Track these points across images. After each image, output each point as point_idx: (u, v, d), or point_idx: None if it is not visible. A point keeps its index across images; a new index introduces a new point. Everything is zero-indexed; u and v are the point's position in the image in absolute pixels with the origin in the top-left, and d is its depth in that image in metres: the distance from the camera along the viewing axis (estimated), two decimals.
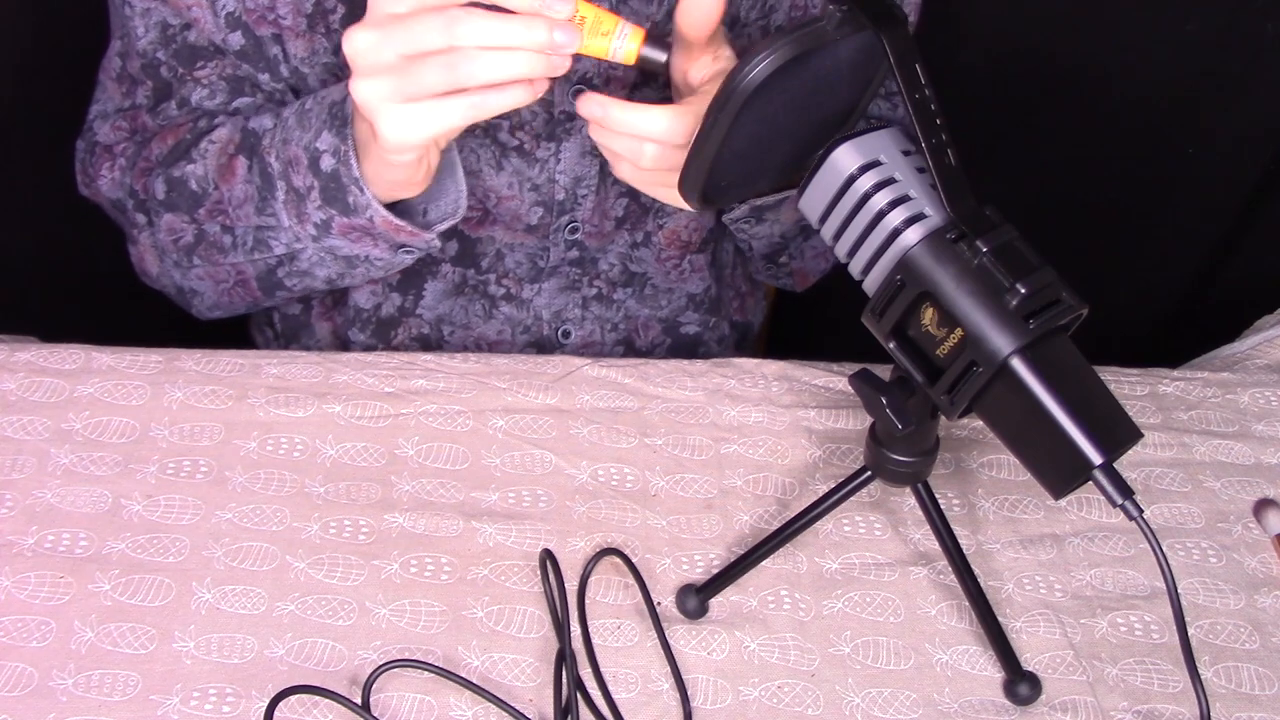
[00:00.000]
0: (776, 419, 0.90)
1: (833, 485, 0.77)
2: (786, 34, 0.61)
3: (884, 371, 0.71)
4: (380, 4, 0.69)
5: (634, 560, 0.80)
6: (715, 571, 0.78)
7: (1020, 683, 0.75)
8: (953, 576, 0.77)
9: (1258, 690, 0.77)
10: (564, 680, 0.73)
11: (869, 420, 0.73)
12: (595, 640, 0.76)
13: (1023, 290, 0.60)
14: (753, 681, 0.75)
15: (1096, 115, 1.34)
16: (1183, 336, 1.13)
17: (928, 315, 0.64)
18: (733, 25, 0.90)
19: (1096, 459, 0.61)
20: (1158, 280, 1.49)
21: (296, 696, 0.71)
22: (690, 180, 0.67)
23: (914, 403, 0.69)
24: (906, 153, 0.66)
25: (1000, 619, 0.77)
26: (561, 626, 0.75)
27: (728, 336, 1.13)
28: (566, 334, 1.03)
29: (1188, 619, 0.78)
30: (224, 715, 0.71)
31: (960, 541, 0.76)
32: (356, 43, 0.69)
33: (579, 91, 0.88)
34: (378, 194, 0.80)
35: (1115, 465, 0.61)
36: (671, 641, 0.76)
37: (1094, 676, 0.77)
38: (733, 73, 0.61)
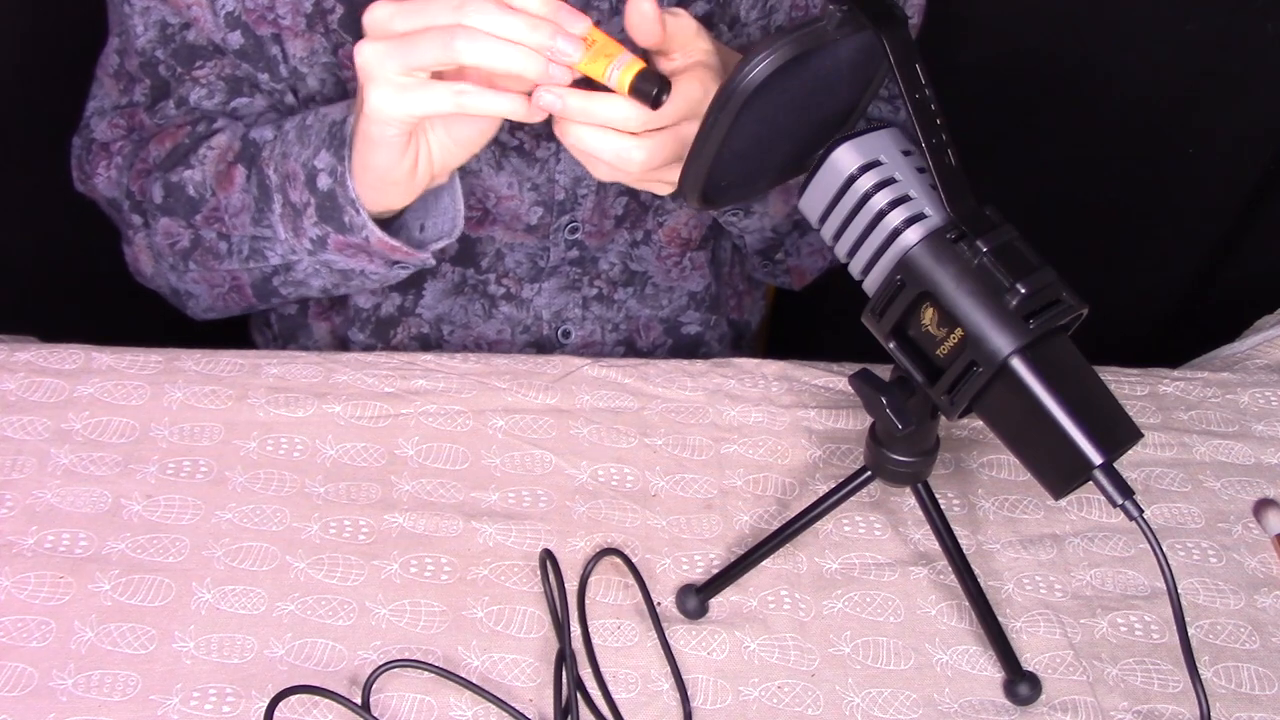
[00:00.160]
0: (776, 419, 0.90)
1: (833, 485, 0.77)
2: (786, 34, 0.61)
3: (884, 371, 0.71)
4: (376, 11, 0.72)
5: (634, 560, 0.80)
6: (715, 571, 0.78)
7: (1020, 683, 0.75)
8: (953, 576, 0.77)
9: (1258, 690, 0.77)
10: (564, 680, 0.73)
11: (869, 420, 0.73)
12: (595, 640, 0.76)
13: (1023, 290, 0.60)
14: (753, 681, 0.75)
15: (1096, 115, 1.34)
16: (1183, 336, 1.13)
17: (928, 315, 0.64)
18: (732, 25, 0.90)
19: (1096, 459, 0.61)
20: (1158, 280, 1.49)
21: (296, 696, 0.71)
22: (690, 180, 0.67)
23: (914, 403, 0.69)
24: (906, 153, 0.66)
25: (1000, 619, 0.77)
26: (561, 626, 0.75)
27: (727, 335, 1.13)
28: (567, 334, 1.03)
29: (1188, 619, 0.78)
30: (224, 715, 0.71)
31: (960, 541, 0.76)
32: (375, 13, 0.72)
33: None
34: (370, 198, 0.80)
35: (1115, 465, 0.61)
36: (671, 641, 0.76)
37: (1094, 676, 0.77)
38: (733, 73, 0.61)
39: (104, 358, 0.88)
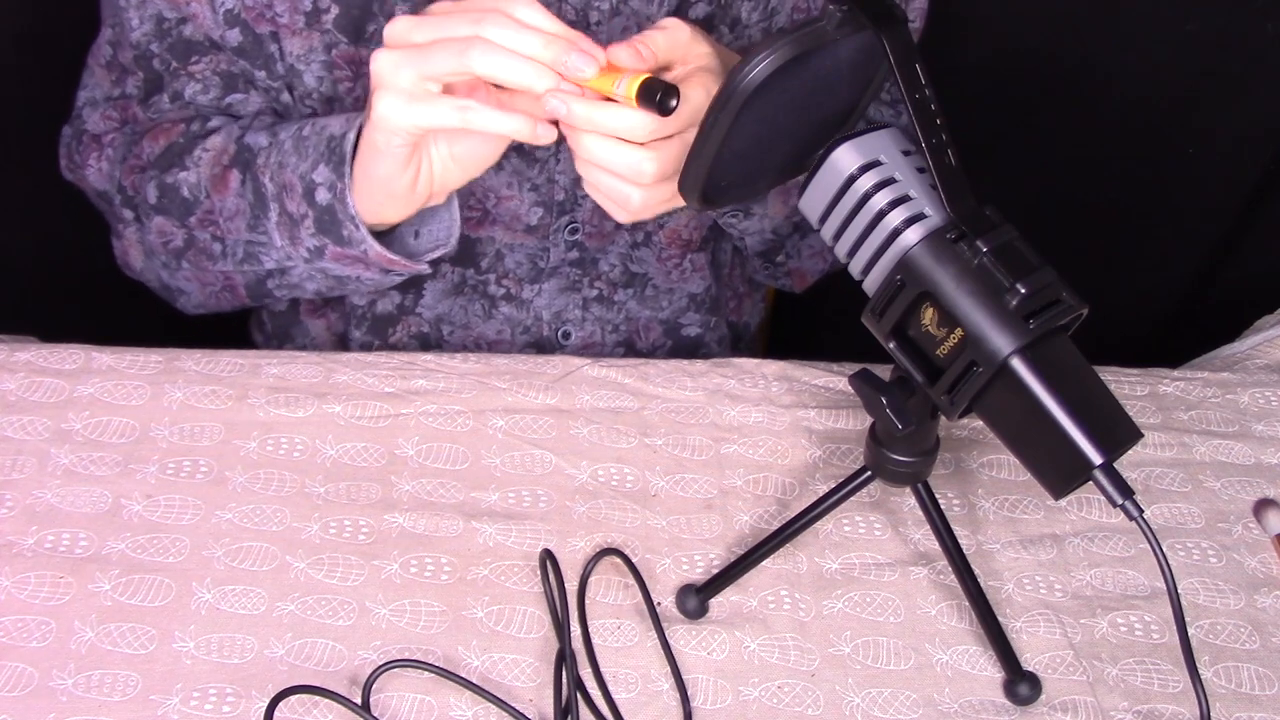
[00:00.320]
0: (776, 419, 0.90)
1: (833, 485, 0.77)
2: (786, 34, 0.61)
3: (884, 371, 0.71)
4: (438, 5, 0.73)
5: (634, 560, 0.80)
6: (715, 571, 0.78)
7: (1020, 683, 0.75)
8: (953, 576, 0.77)
9: (1258, 690, 0.77)
10: (564, 680, 0.73)
11: (869, 420, 0.73)
12: (595, 640, 0.76)
13: (1023, 290, 0.60)
14: (753, 681, 0.75)
15: (1096, 115, 1.34)
16: (1183, 336, 1.13)
17: (928, 315, 0.64)
18: (734, 27, 0.90)
19: (1096, 459, 0.61)
20: (1158, 280, 1.49)
21: (296, 696, 0.71)
22: (690, 180, 0.67)
23: (914, 403, 0.69)
24: (906, 153, 0.66)
25: (1000, 619, 0.77)
26: (561, 626, 0.75)
27: (727, 336, 1.13)
28: (567, 335, 1.03)
29: (1188, 619, 0.78)
30: (224, 715, 0.71)
31: (960, 541, 0.76)
32: (396, 26, 0.73)
33: None
34: (369, 207, 0.80)
35: (1115, 465, 0.61)
36: (671, 641, 0.76)
37: (1094, 676, 0.77)
38: (732, 73, 0.61)
39: (104, 358, 0.88)
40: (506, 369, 0.91)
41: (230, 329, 1.15)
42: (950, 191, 0.62)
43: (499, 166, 0.92)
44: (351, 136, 0.79)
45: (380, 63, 0.72)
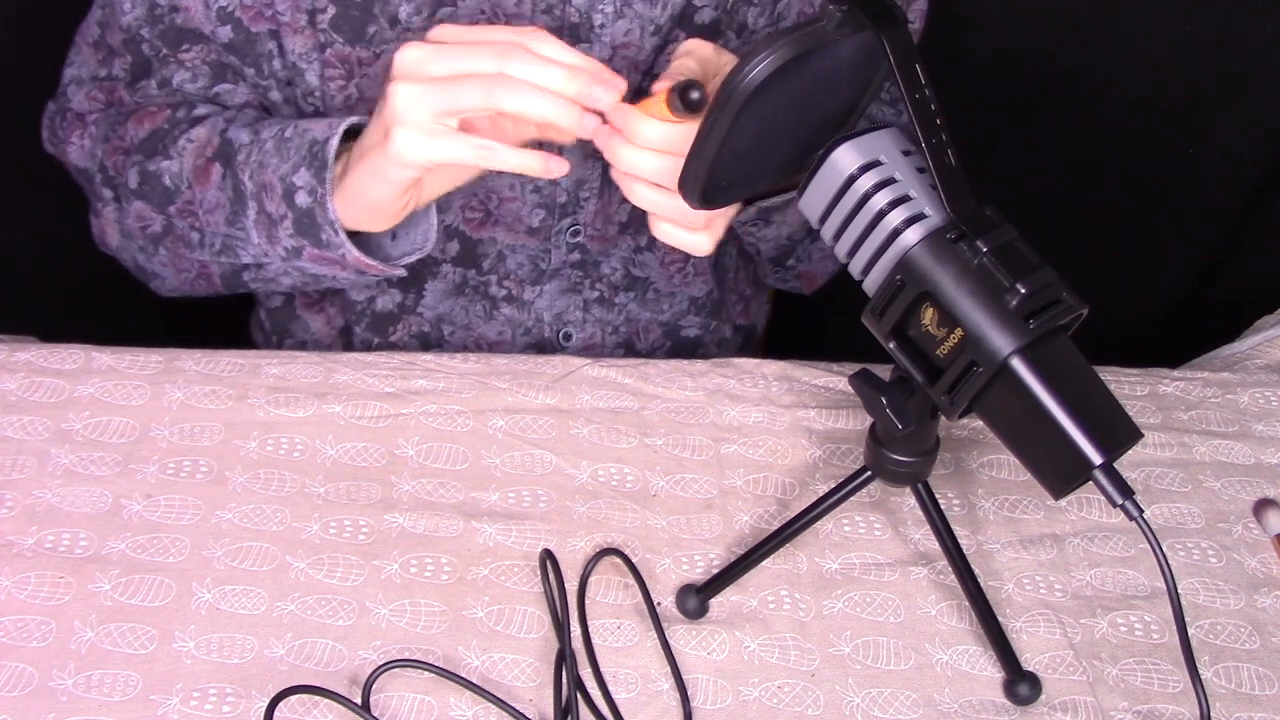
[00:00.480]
0: (776, 419, 0.90)
1: (833, 485, 0.77)
2: (786, 34, 0.61)
3: (884, 371, 0.71)
4: (441, 31, 0.73)
5: (634, 560, 0.80)
6: (715, 571, 0.78)
7: (1020, 683, 0.75)
8: (953, 576, 0.77)
9: (1258, 690, 0.77)
10: (564, 680, 0.73)
11: (869, 420, 0.73)
12: (595, 640, 0.76)
13: (1023, 290, 0.60)
14: (753, 681, 0.75)
15: (1096, 115, 1.34)
16: (1183, 336, 1.13)
17: (928, 315, 0.64)
18: (740, 32, 0.90)
19: (1096, 459, 0.61)
20: (1158, 280, 1.49)
21: (296, 696, 0.71)
22: (690, 180, 0.67)
23: (914, 403, 0.69)
24: (906, 153, 0.66)
25: (1000, 619, 0.77)
26: (561, 626, 0.75)
27: (728, 339, 1.13)
28: (568, 336, 1.03)
29: (1188, 619, 0.78)
30: (224, 715, 0.71)
31: (960, 541, 0.76)
32: (409, 54, 0.72)
33: None
34: (352, 216, 0.81)
35: (1115, 465, 0.61)
36: (671, 641, 0.76)
37: (1094, 676, 0.77)
38: (732, 73, 0.61)
39: (104, 358, 0.88)
40: (506, 369, 0.91)
41: (230, 329, 1.15)
42: (950, 191, 0.62)
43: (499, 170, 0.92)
44: (334, 143, 0.80)
45: (400, 97, 0.72)
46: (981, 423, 0.65)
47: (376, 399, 0.88)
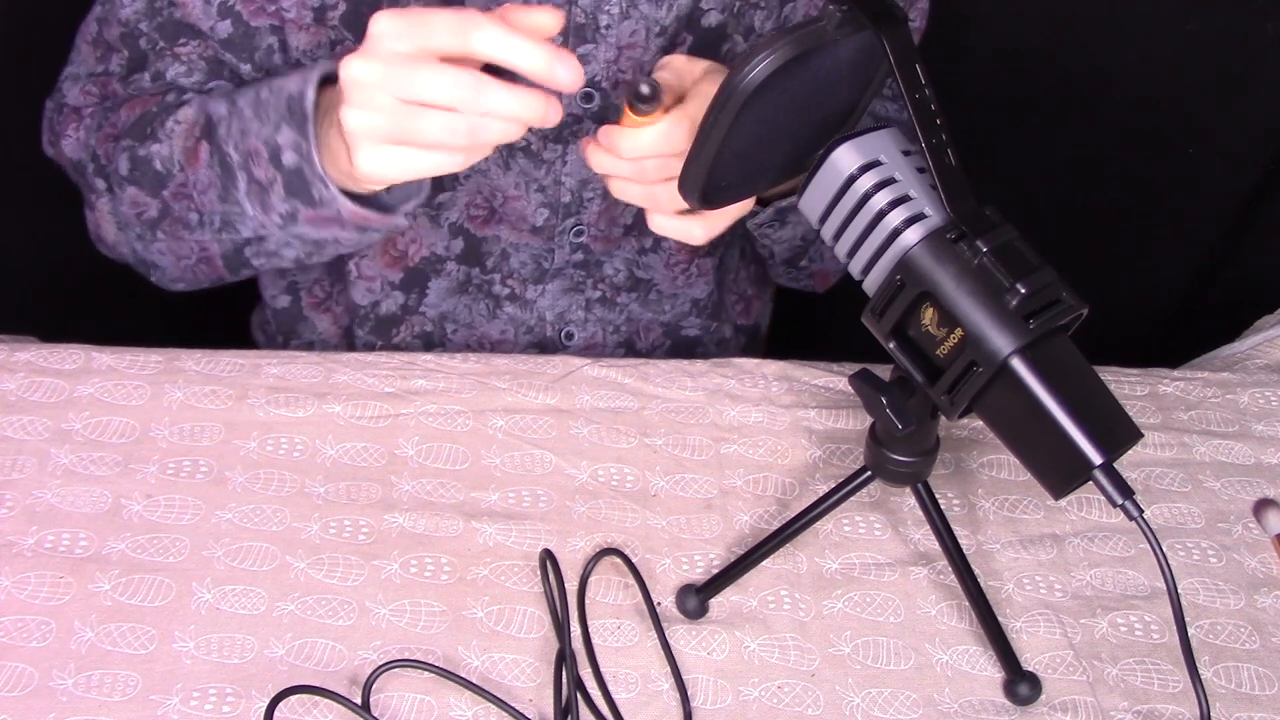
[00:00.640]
0: (776, 419, 0.90)
1: (833, 485, 0.77)
2: (786, 34, 0.61)
3: (884, 371, 0.71)
4: (382, 38, 0.69)
5: (634, 560, 0.80)
6: (715, 571, 0.78)
7: (1020, 683, 0.75)
8: (953, 576, 0.77)
9: (1258, 690, 0.77)
10: (564, 680, 0.73)
11: (869, 420, 0.73)
12: (595, 640, 0.76)
13: (1023, 290, 0.60)
14: (753, 681, 0.75)
15: (1096, 115, 1.34)
16: (1183, 336, 1.13)
17: (928, 315, 0.64)
18: (747, 35, 0.90)
19: (1096, 459, 0.61)
20: (1158, 280, 1.49)
21: (296, 696, 0.71)
22: (690, 180, 0.67)
23: (914, 403, 0.69)
24: (906, 153, 0.66)
25: (1000, 619, 0.77)
26: (561, 626, 0.75)
27: (728, 339, 1.13)
28: (569, 336, 1.03)
29: (1188, 619, 0.78)
30: (224, 715, 0.71)
31: (960, 541, 0.76)
32: (354, 72, 0.69)
33: (588, 95, 0.88)
34: (342, 182, 0.79)
35: (1115, 465, 0.61)
36: (671, 641, 0.76)
37: (1094, 676, 0.77)
38: (732, 73, 0.61)
39: (104, 358, 0.88)
40: (506, 369, 0.91)
41: (230, 329, 1.15)
42: (950, 191, 0.62)
43: (506, 166, 0.92)
44: (310, 94, 0.77)
45: (351, 122, 0.70)
46: (981, 423, 0.65)
47: (376, 399, 0.88)
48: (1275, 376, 0.97)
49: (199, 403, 0.86)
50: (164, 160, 0.86)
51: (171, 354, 0.89)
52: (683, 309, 1.06)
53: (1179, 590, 0.68)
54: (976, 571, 0.76)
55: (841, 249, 0.67)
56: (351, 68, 0.69)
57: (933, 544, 0.80)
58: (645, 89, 0.71)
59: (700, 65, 0.79)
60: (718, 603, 0.79)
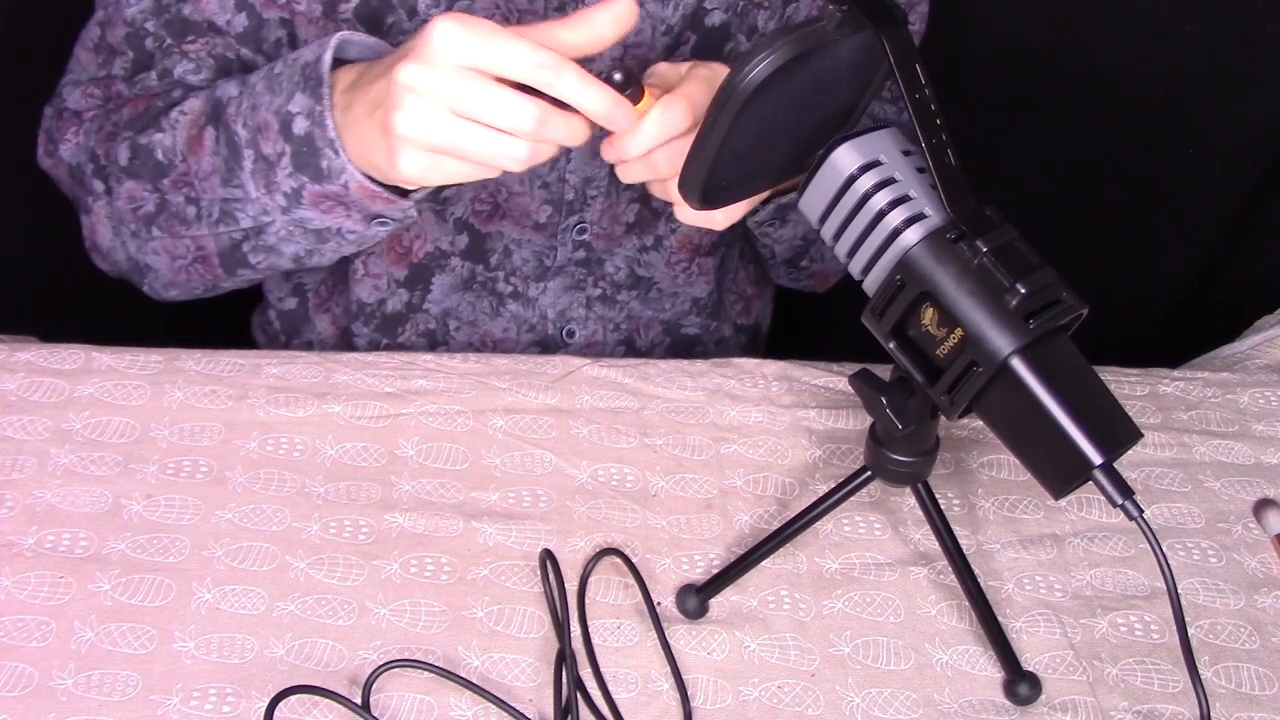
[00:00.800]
0: (776, 419, 0.90)
1: (833, 485, 0.77)
2: (786, 34, 0.61)
3: (884, 371, 0.71)
4: (444, 47, 0.68)
5: (634, 560, 0.80)
6: (715, 571, 0.78)
7: (1020, 683, 0.75)
8: (953, 576, 0.77)
9: (1258, 690, 0.77)
10: (564, 680, 0.73)
11: (869, 420, 0.73)
12: (595, 640, 0.76)
13: (1023, 290, 0.60)
14: (753, 681, 0.75)
15: (1096, 115, 1.34)
16: (1183, 336, 1.13)
17: (928, 315, 0.64)
18: (750, 35, 0.90)
19: (1096, 459, 0.61)
20: (1158, 280, 1.49)
21: (296, 696, 0.71)
22: (690, 180, 0.67)
23: (914, 403, 0.69)
24: (906, 153, 0.66)
25: (1000, 619, 0.77)
26: (561, 626, 0.75)
27: (728, 339, 1.13)
28: (571, 334, 1.03)
29: (1188, 619, 0.78)
30: (224, 715, 0.71)
31: (960, 541, 0.76)
32: (410, 78, 0.68)
33: None
34: (364, 167, 0.77)
35: (1115, 465, 0.61)
36: (671, 641, 0.76)
37: (1094, 676, 0.77)
38: (732, 73, 0.61)
39: (104, 358, 0.88)
40: (506, 369, 0.91)
41: (230, 329, 1.15)
42: (950, 191, 0.62)
43: None
44: (327, 57, 0.76)
45: (401, 127, 0.69)
46: (981, 423, 0.65)
47: (376, 399, 0.88)
48: (1275, 376, 0.97)
49: (199, 403, 0.86)
50: (166, 150, 0.85)
51: (171, 354, 0.89)
52: (683, 308, 1.06)
53: (1179, 590, 0.68)
54: (976, 571, 0.76)
55: (841, 249, 0.67)
56: (408, 73, 0.68)
57: (933, 544, 0.80)
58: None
59: (684, 67, 0.78)
60: (718, 603, 0.79)
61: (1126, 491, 0.61)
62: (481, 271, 0.99)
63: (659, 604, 0.78)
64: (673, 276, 1.03)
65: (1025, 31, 1.31)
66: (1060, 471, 0.63)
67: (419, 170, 0.71)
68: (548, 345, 1.03)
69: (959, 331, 0.62)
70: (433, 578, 0.78)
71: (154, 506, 0.80)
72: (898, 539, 0.83)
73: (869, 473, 0.76)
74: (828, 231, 0.67)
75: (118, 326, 0.95)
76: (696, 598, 0.77)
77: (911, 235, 0.63)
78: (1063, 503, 0.86)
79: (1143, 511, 0.62)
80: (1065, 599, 0.81)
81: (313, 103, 0.76)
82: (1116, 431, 0.62)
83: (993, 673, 0.77)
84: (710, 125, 0.63)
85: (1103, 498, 0.61)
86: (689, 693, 0.74)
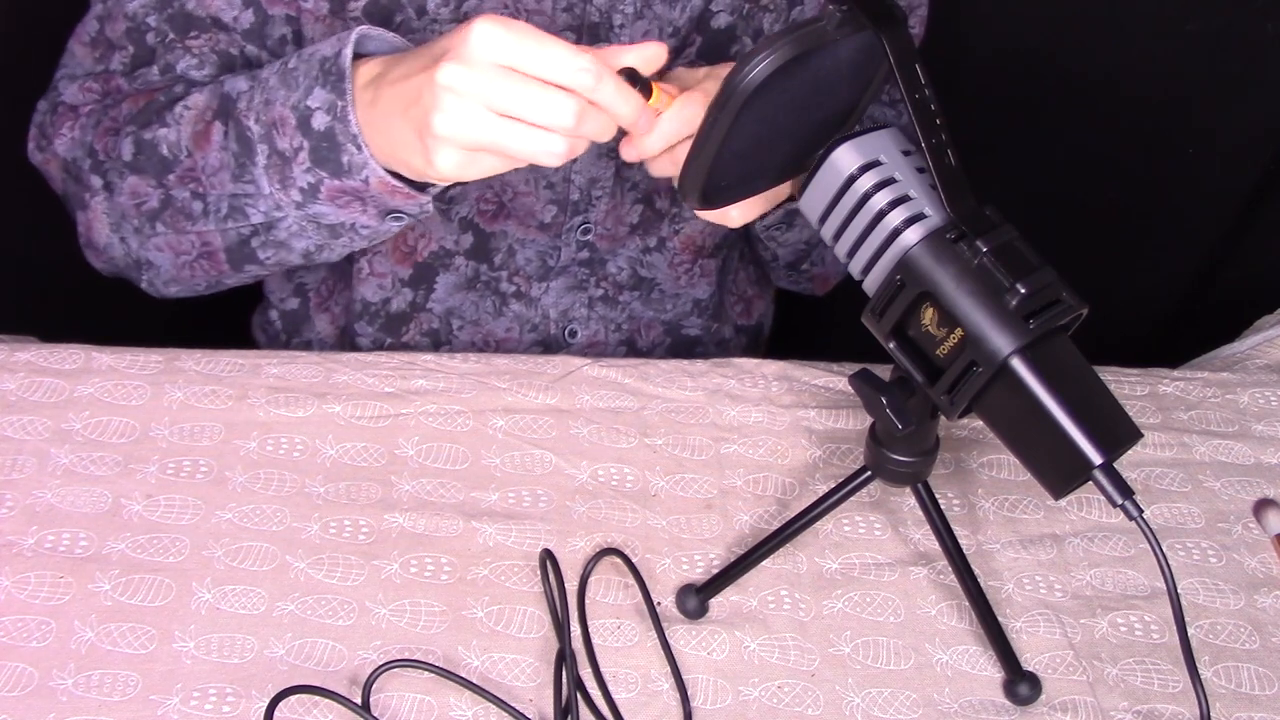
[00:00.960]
0: (776, 419, 0.90)
1: (833, 485, 0.77)
2: (786, 34, 0.61)
3: (884, 371, 0.71)
4: (483, 47, 0.68)
5: (634, 560, 0.80)
6: (715, 571, 0.78)
7: (1020, 683, 0.75)
8: (953, 576, 0.77)
9: (1258, 690, 0.77)
10: (564, 680, 0.73)
11: (869, 420, 0.73)
12: (595, 640, 0.76)
13: (1023, 290, 0.60)
14: (753, 681, 0.75)
15: (1096, 115, 1.34)
16: (1183, 336, 1.13)
17: (928, 315, 0.64)
18: (756, 38, 0.90)
19: (1096, 459, 0.61)
20: (1158, 280, 1.49)
21: (296, 696, 0.71)
22: (690, 180, 0.67)
23: (914, 403, 0.69)
24: (906, 153, 0.66)
25: (1000, 619, 0.77)
26: (561, 626, 0.75)
27: (729, 340, 1.13)
28: (573, 334, 1.03)
29: (1188, 619, 0.78)
30: (224, 715, 0.71)
31: (960, 541, 0.76)
32: (451, 80, 0.68)
33: None
34: (379, 159, 0.76)
35: (1115, 465, 0.61)
36: (671, 641, 0.76)
37: (1094, 676, 0.77)
38: (732, 73, 0.61)
39: (104, 358, 0.88)
40: (506, 369, 0.91)
41: (230, 329, 1.15)
42: (950, 191, 0.62)
43: None
44: (347, 52, 0.75)
45: (441, 128, 0.69)
46: (981, 423, 0.65)
47: (376, 399, 0.88)
48: (1275, 376, 0.97)
49: (199, 403, 0.86)
50: (171, 145, 0.84)
51: (171, 354, 0.89)
52: (684, 309, 1.06)
53: (1179, 590, 0.68)
54: (976, 571, 0.76)
55: (841, 249, 0.67)
56: (448, 74, 0.68)
57: (933, 544, 0.80)
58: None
59: (702, 71, 0.79)
60: (718, 603, 0.79)
61: (1126, 491, 0.61)
62: (485, 271, 0.99)
63: (659, 604, 0.78)
64: (675, 278, 1.03)
65: (1025, 31, 1.31)
66: (1060, 471, 0.63)
67: (455, 167, 0.71)
68: (550, 345, 1.03)
69: (959, 331, 0.62)
70: (433, 578, 0.78)
71: (154, 506, 0.80)
72: (898, 539, 0.83)
73: (869, 473, 0.76)
74: (828, 231, 0.67)
75: (118, 326, 0.95)
76: (696, 598, 0.77)
77: (911, 235, 0.63)
78: (1063, 503, 0.86)
79: (1143, 511, 0.62)
80: (1065, 599, 0.81)
81: (334, 98, 0.76)
82: (1116, 431, 0.62)
83: (993, 673, 0.77)
84: (710, 125, 0.63)
85: (1103, 498, 0.61)
86: (689, 693, 0.74)
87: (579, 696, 0.73)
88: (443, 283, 0.99)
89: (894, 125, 0.67)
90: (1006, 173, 1.14)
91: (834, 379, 0.93)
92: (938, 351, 0.64)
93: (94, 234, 0.91)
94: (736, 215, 0.77)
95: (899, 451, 0.73)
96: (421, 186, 0.79)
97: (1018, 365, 0.61)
